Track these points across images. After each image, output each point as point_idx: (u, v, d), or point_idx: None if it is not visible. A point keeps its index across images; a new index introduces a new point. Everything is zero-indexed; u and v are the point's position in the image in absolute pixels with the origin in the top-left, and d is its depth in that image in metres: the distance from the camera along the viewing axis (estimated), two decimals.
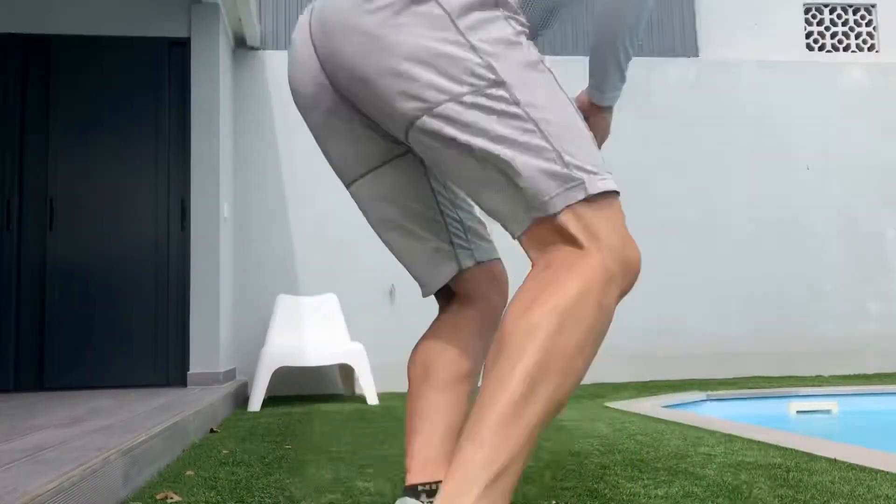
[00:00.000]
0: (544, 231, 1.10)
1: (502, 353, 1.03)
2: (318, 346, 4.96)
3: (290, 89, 1.35)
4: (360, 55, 1.15)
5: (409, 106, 1.12)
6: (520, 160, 1.08)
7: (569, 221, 1.08)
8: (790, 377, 5.85)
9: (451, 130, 1.10)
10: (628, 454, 2.63)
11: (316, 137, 1.36)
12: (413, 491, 1.33)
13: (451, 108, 1.10)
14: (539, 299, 1.04)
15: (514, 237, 1.16)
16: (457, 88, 1.10)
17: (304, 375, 5.46)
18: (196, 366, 4.54)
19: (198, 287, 4.61)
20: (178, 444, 2.83)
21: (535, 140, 1.09)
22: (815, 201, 6.29)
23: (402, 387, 5.64)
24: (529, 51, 1.14)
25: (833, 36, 6.71)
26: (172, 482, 2.30)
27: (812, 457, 2.44)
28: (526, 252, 1.14)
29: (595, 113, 1.45)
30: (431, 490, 1.33)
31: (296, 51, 1.31)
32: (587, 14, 6.29)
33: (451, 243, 1.38)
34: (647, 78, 6.21)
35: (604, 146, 6.05)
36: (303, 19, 1.31)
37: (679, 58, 6.35)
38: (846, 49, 6.70)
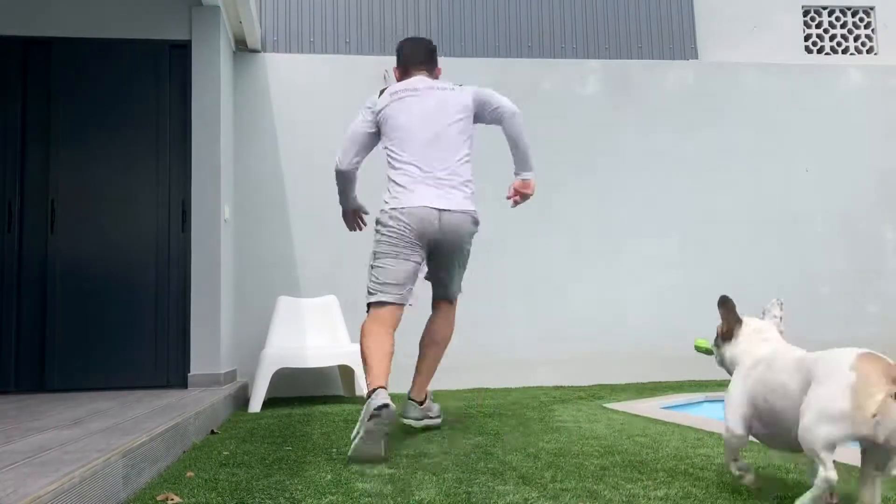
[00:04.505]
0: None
1: (441, 344, 3.57)
2: (319, 348, 4.97)
3: (410, 223, 3.16)
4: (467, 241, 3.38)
5: (467, 248, 3.42)
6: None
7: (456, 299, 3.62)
8: None
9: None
10: (628, 455, 2.64)
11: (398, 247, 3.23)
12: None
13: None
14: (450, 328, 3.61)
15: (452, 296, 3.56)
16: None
17: (305, 377, 5.46)
18: (197, 367, 4.55)
19: (198, 289, 4.61)
20: (178, 445, 2.84)
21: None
22: (814, 203, 6.30)
23: (401, 388, 5.64)
24: None
25: (832, 38, 6.72)
26: (173, 483, 2.31)
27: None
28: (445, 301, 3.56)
29: (526, 184, 3.42)
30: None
31: (421, 216, 3.15)
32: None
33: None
34: (646, 80, 6.21)
35: (603, 149, 6.06)
36: (431, 214, 3.16)
37: (678, 60, 6.36)
38: (845, 51, 6.71)
